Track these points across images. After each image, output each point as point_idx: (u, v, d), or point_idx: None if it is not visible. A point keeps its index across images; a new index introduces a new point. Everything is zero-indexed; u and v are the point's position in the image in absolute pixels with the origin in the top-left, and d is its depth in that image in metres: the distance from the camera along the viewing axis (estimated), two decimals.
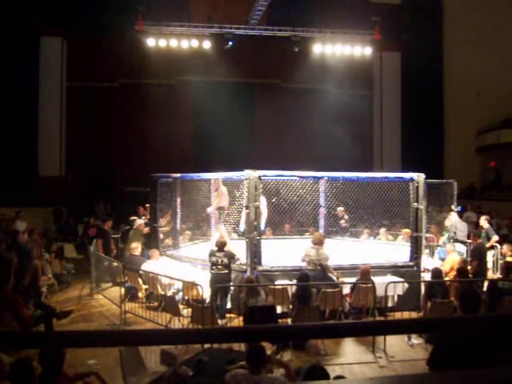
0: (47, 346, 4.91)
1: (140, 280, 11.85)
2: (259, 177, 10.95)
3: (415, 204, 11.60)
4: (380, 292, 10.19)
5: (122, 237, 14.83)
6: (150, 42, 18.34)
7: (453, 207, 13.81)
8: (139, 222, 14.07)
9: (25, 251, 11.99)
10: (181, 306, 10.66)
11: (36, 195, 17.95)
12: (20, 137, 18.63)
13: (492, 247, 12.79)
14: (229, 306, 10.69)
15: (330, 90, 20.12)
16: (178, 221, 14.06)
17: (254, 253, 10.86)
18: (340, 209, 14.71)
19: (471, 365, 4.23)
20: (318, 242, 10.54)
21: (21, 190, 17.33)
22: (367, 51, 19.09)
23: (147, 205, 14.74)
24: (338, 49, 19.10)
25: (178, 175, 13.67)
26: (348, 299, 10.31)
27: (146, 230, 13.94)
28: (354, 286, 10.29)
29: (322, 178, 13.58)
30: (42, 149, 19.56)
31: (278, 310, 9.90)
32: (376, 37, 18.55)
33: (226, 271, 10.53)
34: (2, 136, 18.48)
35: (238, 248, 11.36)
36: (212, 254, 10.63)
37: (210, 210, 13.29)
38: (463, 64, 21.12)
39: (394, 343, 9.11)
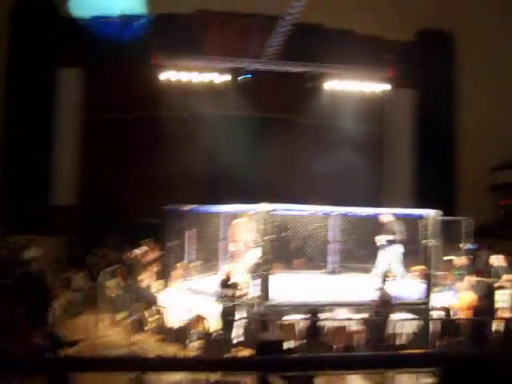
0: (53, 372, 4.89)
1: (148, 312, 11.80)
2: (269, 211, 10.92)
3: (427, 241, 11.52)
4: (391, 329, 10.06)
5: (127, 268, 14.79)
6: (165, 75, 18.58)
7: (466, 245, 13.63)
8: (136, 252, 14.05)
9: (36, 279, 11.98)
10: (189, 339, 10.59)
11: (47, 224, 18.01)
12: (34, 165, 18.78)
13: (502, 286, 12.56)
14: (237, 339, 10.58)
15: (343, 126, 20.20)
16: (189, 253, 14.03)
17: (264, 287, 10.78)
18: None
19: None
20: None
21: (32, 218, 17.42)
22: (380, 88, 19.23)
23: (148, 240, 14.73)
24: (351, 85, 19.26)
25: (190, 207, 13.69)
26: (359, 335, 10.18)
27: (146, 258, 13.89)
28: (364, 322, 10.18)
29: (332, 213, 13.55)
30: (56, 177, 19.68)
31: (286, 345, 9.77)
32: (389, 74, 18.71)
33: (231, 304, 10.46)
34: (16, 164, 18.69)
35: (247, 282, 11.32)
36: (219, 287, 10.59)
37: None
38: (476, 100, 21.18)
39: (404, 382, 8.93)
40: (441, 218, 11.91)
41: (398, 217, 12.88)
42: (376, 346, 9.61)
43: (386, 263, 13.11)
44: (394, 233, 12.99)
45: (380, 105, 20.94)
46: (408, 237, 12.65)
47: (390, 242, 13.04)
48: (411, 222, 12.41)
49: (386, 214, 12.95)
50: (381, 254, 13.32)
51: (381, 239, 13.14)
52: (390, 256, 13.11)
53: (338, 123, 20.38)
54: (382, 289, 10.28)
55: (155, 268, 13.98)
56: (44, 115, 19.31)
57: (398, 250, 13.09)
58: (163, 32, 18.72)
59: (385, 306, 10.09)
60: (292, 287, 11.96)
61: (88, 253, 17.08)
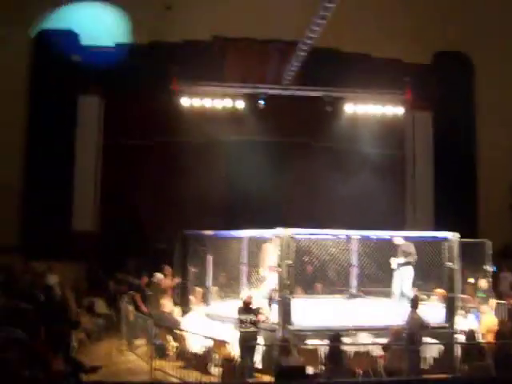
0: None
1: (170, 337, 11.80)
2: (288, 235, 10.91)
3: (449, 264, 11.43)
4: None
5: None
6: (184, 101, 18.74)
7: (487, 267, 13.48)
8: (158, 276, 14.06)
9: (58, 305, 12.07)
10: (211, 365, 10.55)
11: (68, 249, 18.15)
12: (55, 191, 18.97)
13: None
14: (260, 365, 10.52)
15: (362, 149, 20.19)
16: (208, 278, 14.06)
17: (285, 312, 10.73)
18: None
19: None
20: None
21: (53, 243, 17.59)
22: (399, 111, 19.24)
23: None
24: (370, 108, 19.28)
25: (211, 232, 13.72)
26: (381, 360, 10.07)
27: (166, 284, 13.90)
28: (386, 348, 10.08)
29: (351, 236, 13.52)
30: (76, 203, 19.86)
31: (310, 371, 9.70)
32: (407, 97, 18.73)
33: (254, 329, 10.41)
34: (37, 190, 18.93)
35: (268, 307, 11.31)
36: (240, 312, 10.56)
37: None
38: (494, 120, 21.09)
39: None
40: (460, 240, 11.82)
41: (417, 240, 12.81)
42: (414, 371, 9.51)
43: (399, 284, 13.22)
44: (406, 255, 13.06)
45: (399, 127, 20.92)
46: (428, 260, 12.56)
47: (403, 264, 13.13)
48: (432, 245, 12.32)
49: (398, 237, 12.95)
50: (395, 276, 13.38)
51: (394, 262, 13.22)
52: (402, 277, 13.18)
53: (356, 147, 20.38)
54: (413, 312, 10.17)
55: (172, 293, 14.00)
56: (65, 142, 19.58)
57: (410, 271, 13.13)
58: (182, 58, 18.95)
59: (419, 330, 9.98)
60: (314, 311, 11.91)
61: (109, 278, 17.17)
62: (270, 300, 11.73)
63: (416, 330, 9.92)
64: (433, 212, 21.48)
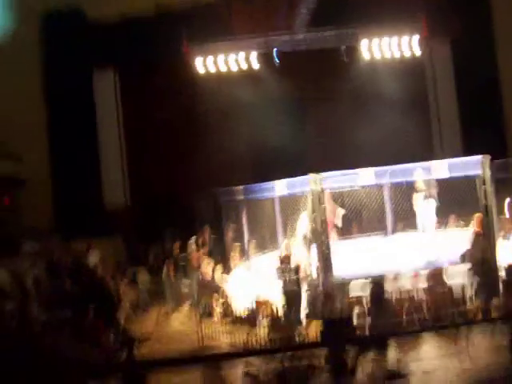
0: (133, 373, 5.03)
1: (215, 298, 11.97)
2: (322, 189, 10.84)
3: (485, 202, 11.20)
4: (457, 280, 9.94)
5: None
6: (198, 64, 18.43)
7: None
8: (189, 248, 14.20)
9: (101, 283, 12.30)
10: (258, 320, 10.68)
11: (104, 226, 18.32)
12: (83, 170, 19.06)
13: None
14: (305, 312, 10.56)
15: (383, 91, 19.76)
16: (246, 233, 14.13)
17: (326, 263, 10.70)
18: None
19: None
20: None
21: (88, 221, 17.80)
22: (416, 44, 18.66)
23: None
24: (387, 45, 18.70)
25: (241, 187, 13.67)
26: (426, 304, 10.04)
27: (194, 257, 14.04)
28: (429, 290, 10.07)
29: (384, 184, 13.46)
30: (106, 179, 19.99)
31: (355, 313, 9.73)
32: (424, 29, 18.19)
33: (296, 286, 10.43)
34: (65, 170, 19.08)
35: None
36: (280, 271, 10.57)
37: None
38: None
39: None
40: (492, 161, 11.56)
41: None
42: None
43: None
44: (427, 189, 13.06)
45: (418, 62, 20.36)
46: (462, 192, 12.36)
47: (424, 198, 13.12)
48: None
49: (417, 173, 12.69)
50: (420, 212, 13.39)
51: (416, 199, 13.26)
52: (426, 211, 13.19)
53: (377, 89, 19.92)
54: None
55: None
56: (86, 121, 19.55)
57: (432, 205, 13.11)
58: (191, 20, 18.64)
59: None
60: (353, 257, 11.87)
61: (148, 249, 17.36)
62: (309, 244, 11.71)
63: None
64: (460, 140, 21.10)
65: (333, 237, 12.67)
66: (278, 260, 10.85)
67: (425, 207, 13.23)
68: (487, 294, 9.99)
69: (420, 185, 13.11)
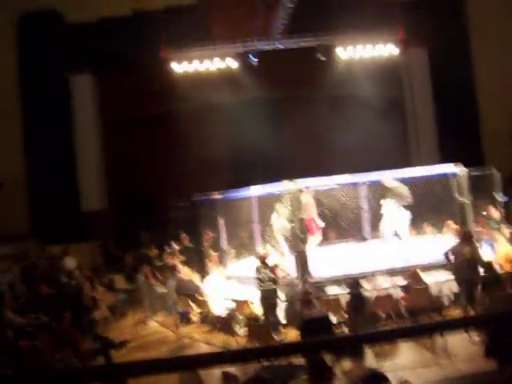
0: (110, 379, 4.95)
1: (192, 304, 11.93)
2: (300, 189, 10.92)
3: (460, 198, 11.40)
4: (434, 291, 10.02)
5: None
6: (176, 67, 18.42)
7: (497, 197, 13.32)
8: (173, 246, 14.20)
9: (77, 288, 12.20)
10: (236, 326, 10.66)
11: (80, 230, 18.19)
12: (59, 174, 18.92)
13: None
14: (284, 321, 10.62)
15: (360, 94, 19.90)
16: (224, 240, 14.12)
17: (303, 265, 10.80)
18: None
19: None
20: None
21: (65, 226, 17.64)
22: (393, 51, 18.81)
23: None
24: (364, 51, 18.86)
25: (220, 194, 13.70)
26: (403, 302, 10.14)
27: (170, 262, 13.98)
28: (407, 289, 10.15)
29: (361, 183, 13.50)
30: (83, 183, 19.84)
31: (333, 320, 9.79)
32: (400, 35, 18.35)
33: (274, 286, 10.47)
34: (41, 175, 18.87)
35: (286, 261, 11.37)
36: (257, 271, 10.59)
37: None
38: (492, 49, 20.70)
39: (454, 341, 8.86)
40: (467, 171, 11.76)
41: (426, 178, 12.67)
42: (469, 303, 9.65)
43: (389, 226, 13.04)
44: (398, 197, 12.70)
45: (395, 67, 20.57)
46: (437, 195, 12.47)
47: (397, 207, 12.80)
48: (441, 181, 12.25)
49: (389, 179, 12.70)
50: (385, 218, 13.16)
51: (384, 204, 12.97)
52: (398, 221, 12.87)
53: (354, 92, 20.10)
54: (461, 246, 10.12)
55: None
56: (62, 124, 19.42)
57: (404, 214, 12.86)
58: (168, 25, 18.62)
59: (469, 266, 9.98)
60: (330, 260, 11.98)
61: (125, 253, 17.27)
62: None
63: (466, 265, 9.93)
64: (437, 146, 21.33)
65: (316, 236, 12.73)
66: (255, 268, 10.84)
67: (397, 214, 12.95)
68: (469, 292, 10.03)
69: (391, 192, 12.92)
